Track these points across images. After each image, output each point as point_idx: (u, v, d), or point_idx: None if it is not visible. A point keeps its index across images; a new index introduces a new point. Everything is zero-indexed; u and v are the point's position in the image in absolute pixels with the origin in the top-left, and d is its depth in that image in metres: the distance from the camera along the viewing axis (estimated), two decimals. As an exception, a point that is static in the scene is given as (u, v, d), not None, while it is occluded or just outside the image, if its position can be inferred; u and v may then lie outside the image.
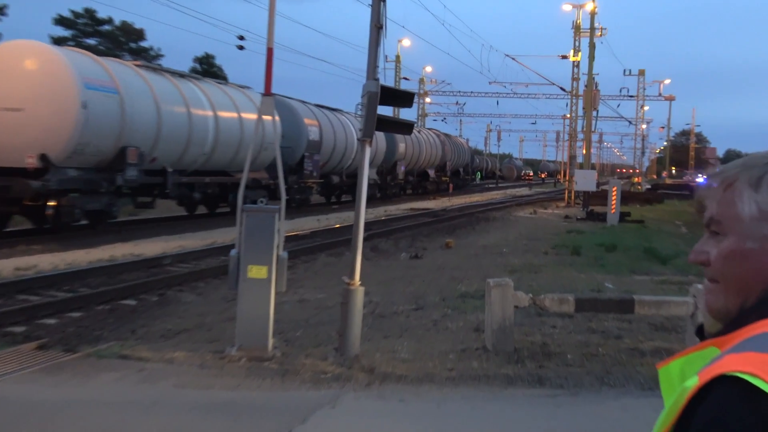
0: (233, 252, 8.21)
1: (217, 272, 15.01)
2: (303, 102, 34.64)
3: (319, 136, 33.49)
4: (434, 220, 30.59)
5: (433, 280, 14.11)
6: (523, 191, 70.96)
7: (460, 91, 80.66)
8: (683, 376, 1.26)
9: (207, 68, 63.42)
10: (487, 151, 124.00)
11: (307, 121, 32.48)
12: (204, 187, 25.93)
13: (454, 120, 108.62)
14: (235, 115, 26.38)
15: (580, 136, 46.76)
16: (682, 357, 1.30)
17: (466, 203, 44.79)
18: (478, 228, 27.68)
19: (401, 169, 46.82)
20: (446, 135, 62.77)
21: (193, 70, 60.21)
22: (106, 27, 58.86)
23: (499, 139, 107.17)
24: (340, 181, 37.61)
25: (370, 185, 41.42)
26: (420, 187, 55.41)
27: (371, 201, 38.67)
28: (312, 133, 32.66)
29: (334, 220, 28.74)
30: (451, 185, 53.81)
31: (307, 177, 32.16)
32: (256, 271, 8.14)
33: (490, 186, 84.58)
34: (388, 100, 8.48)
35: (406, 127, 9.34)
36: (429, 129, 61.20)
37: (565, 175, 58.70)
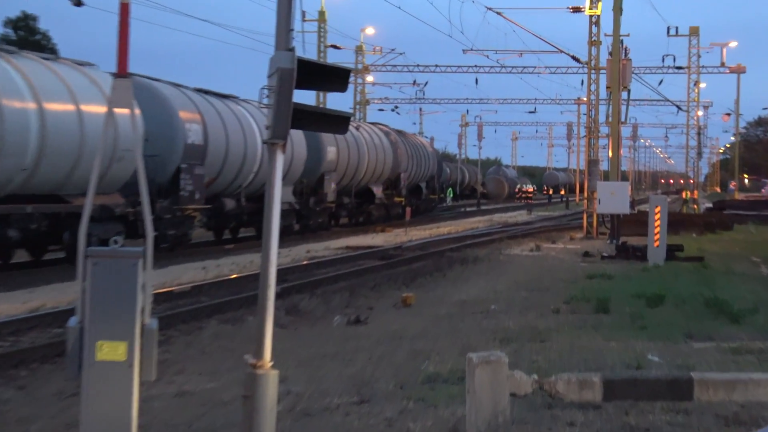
0: (73, 321, 8.11)
1: (48, 353, 14.77)
2: (177, 86, 34.49)
3: (202, 138, 33.36)
4: (383, 264, 30.62)
5: (384, 357, 14.09)
6: (520, 216, 71.46)
7: (418, 65, 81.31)
8: None
9: (26, 36, 62.92)
10: (463, 156, 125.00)
11: (184, 114, 32.35)
12: (24, 221, 25.59)
13: (410, 109, 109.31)
14: (71, 107, 26.17)
15: (604, 130, 47.41)
16: None
17: (433, 237, 44.85)
18: (452, 275, 27.73)
19: (331, 187, 46.83)
20: (399, 132, 63.06)
21: (5, 40, 59.65)
22: None
23: (480, 136, 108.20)
24: (236, 206, 37.45)
25: (284, 212, 40.75)
26: (361, 214, 55.38)
27: (287, 236, 38.65)
28: (192, 134, 32.53)
29: (230, 267, 28.53)
30: (408, 209, 53.87)
31: (185, 201, 31.97)
32: (110, 351, 8.04)
33: (469, 209, 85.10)
34: (309, 81, 8.49)
35: (339, 122, 9.36)
36: (373, 124, 61.52)
37: (582, 191, 59.34)
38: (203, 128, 33.55)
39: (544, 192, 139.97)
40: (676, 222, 41.59)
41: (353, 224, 54.56)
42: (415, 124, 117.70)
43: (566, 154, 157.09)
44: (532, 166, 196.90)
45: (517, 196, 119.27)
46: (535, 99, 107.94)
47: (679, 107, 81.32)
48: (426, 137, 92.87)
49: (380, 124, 61.69)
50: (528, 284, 24.03)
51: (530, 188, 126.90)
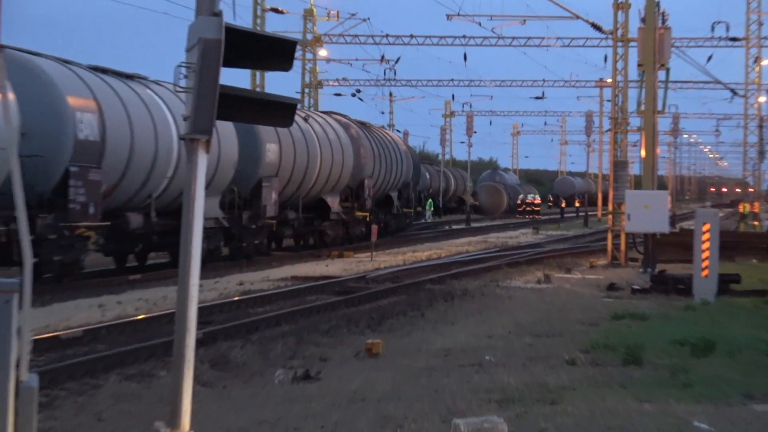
0: None
1: None
2: (66, 63, 34.41)
3: (99, 133, 33.28)
4: (341, 300, 30.70)
5: (341, 425, 14.09)
6: (523, 236, 71.69)
7: (388, 35, 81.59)
8: None
9: None
10: (448, 157, 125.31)
11: (73, 101, 32.25)
12: None
13: (377, 93, 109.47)
14: None
15: (635, 121, 47.55)
16: None
17: (407, 264, 44.95)
18: (432, 315, 27.75)
19: (271, 198, 46.78)
20: (363, 125, 63.19)
21: None
22: None
23: (470, 130, 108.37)
24: (145, 223, 37.34)
25: (208, 231, 40.58)
26: (311, 233, 55.38)
27: (212, 263, 38.55)
28: (84, 127, 32.44)
29: (135, 305, 28.46)
30: (374, 227, 53.90)
31: (76, 217, 31.84)
32: (-26, 417, 8.01)
33: (457, 227, 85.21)
34: (242, 57, 8.50)
35: (282, 111, 9.35)
36: (327, 113, 61.51)
37: (605, 203, 59.48)
38: (100, 119, 33.45)
39: (550, 203, 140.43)
40: (730, 244, 41.71)
41: (301, 247, 54.61)
42: (383, 113, 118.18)
43: (584, 153, 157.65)
44: (539, 170, 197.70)
45: (520, 209, 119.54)
46: (543, 81, 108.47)
47: (734, 92, 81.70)
48: (398, 131, 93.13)
49: (337, 114, 61.61)
50: (534, 327, 24.09)
51: (537, 199, 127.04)
